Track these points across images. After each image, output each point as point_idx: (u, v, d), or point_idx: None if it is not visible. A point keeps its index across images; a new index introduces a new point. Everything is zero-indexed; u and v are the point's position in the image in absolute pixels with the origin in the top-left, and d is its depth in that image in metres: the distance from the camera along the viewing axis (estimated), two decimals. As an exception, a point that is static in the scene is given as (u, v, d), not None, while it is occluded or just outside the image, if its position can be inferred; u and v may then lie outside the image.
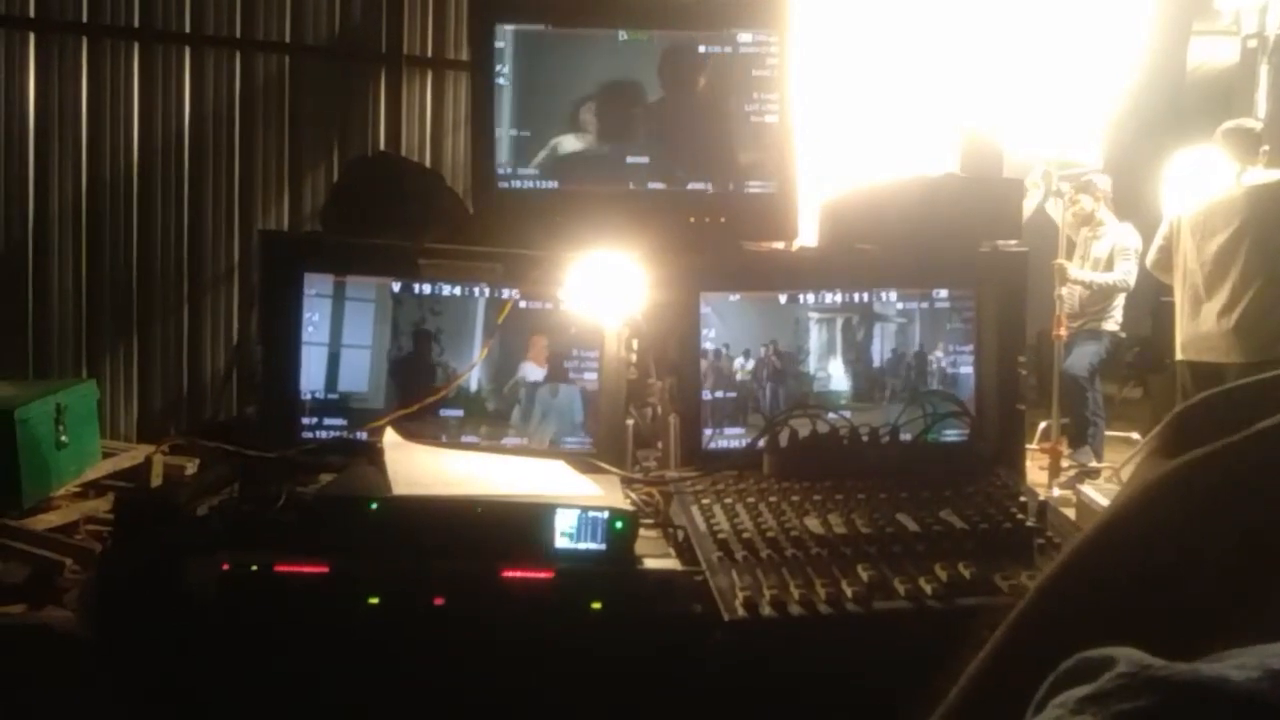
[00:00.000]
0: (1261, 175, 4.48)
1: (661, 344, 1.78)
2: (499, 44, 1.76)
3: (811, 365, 1.81)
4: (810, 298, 1.81)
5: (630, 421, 1.74)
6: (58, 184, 5.09)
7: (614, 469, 1.65)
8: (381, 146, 5.58)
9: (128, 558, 1.32)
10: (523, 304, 1.75)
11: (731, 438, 1.79)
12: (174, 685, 1.24)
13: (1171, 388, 5.36)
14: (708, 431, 1.79)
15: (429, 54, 5.68)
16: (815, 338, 1.81)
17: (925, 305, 1.82)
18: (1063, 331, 5.86)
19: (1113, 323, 6.14)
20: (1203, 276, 4.62)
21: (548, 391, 1.77)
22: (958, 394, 1.82)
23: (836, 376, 1.82)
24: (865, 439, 1.71)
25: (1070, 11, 5.88)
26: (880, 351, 1.82)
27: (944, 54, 6.28)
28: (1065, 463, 5.98)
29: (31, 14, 5.04)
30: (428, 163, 5.64)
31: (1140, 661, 0.35)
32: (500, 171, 1.78)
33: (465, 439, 1.75)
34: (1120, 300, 6.12)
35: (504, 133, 1.77)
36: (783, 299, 1.80)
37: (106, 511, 3.89)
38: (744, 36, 1.77)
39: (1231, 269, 4.51)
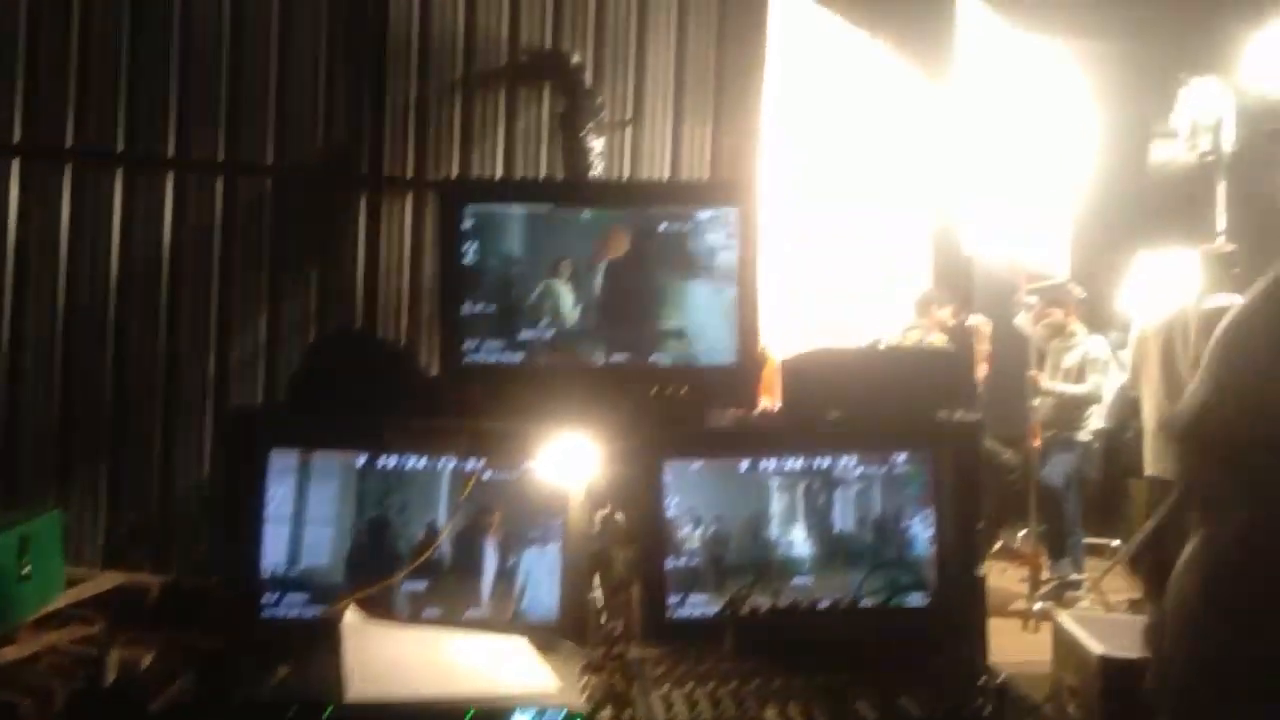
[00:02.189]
0: (1221, 299, 4.58)
1: (625, 514, 1.79)
2: (466, 224, 1.82)
3: (774, 531, 1.83)
4: (771, 464, 1.83)
5: (593, 594, 1.74)
6: (33, 309, 5.12)
7: (576, 646, 1.64)
8: (361, 268, 5.64)
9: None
10: (488, 475, 1.76)
11: (695, 605, 1.80)
12: None
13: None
14: (672, 600, 1.79)
15: (409, 175, 5.79)
16: (777, 504, 1.83)
17: (885, 470, 1.85)
18: (1037, 442, 5.92)
19: (1085, 432, 6.21)
20: (1165, 395, 4.70)
21: (511, 563, 1.77)
22: (919, 558, 1.83)
23: (798, 542, 1.83)
24: (825, 611, 1.71)
25: (1033, 120, 6.11)
26: (841, 516, 1.84)
27: (915, 169, 6.52)
28: (1045, 574, 5.97)
29: (16, 139, 5.13)
30: (407, 282, 5.73)
31: None
32: (467, 346, 1.82)
33: (427, 613, 1.74)
34: (1093, 410, 6.20)
35: (470, 308, 1.81)
36: (744, 466, 1.82)
37: (70, 642, 3.81)
38: (704, 214, 1.84)
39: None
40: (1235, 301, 4.59)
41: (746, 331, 1.85)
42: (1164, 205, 7.43)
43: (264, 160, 5.56)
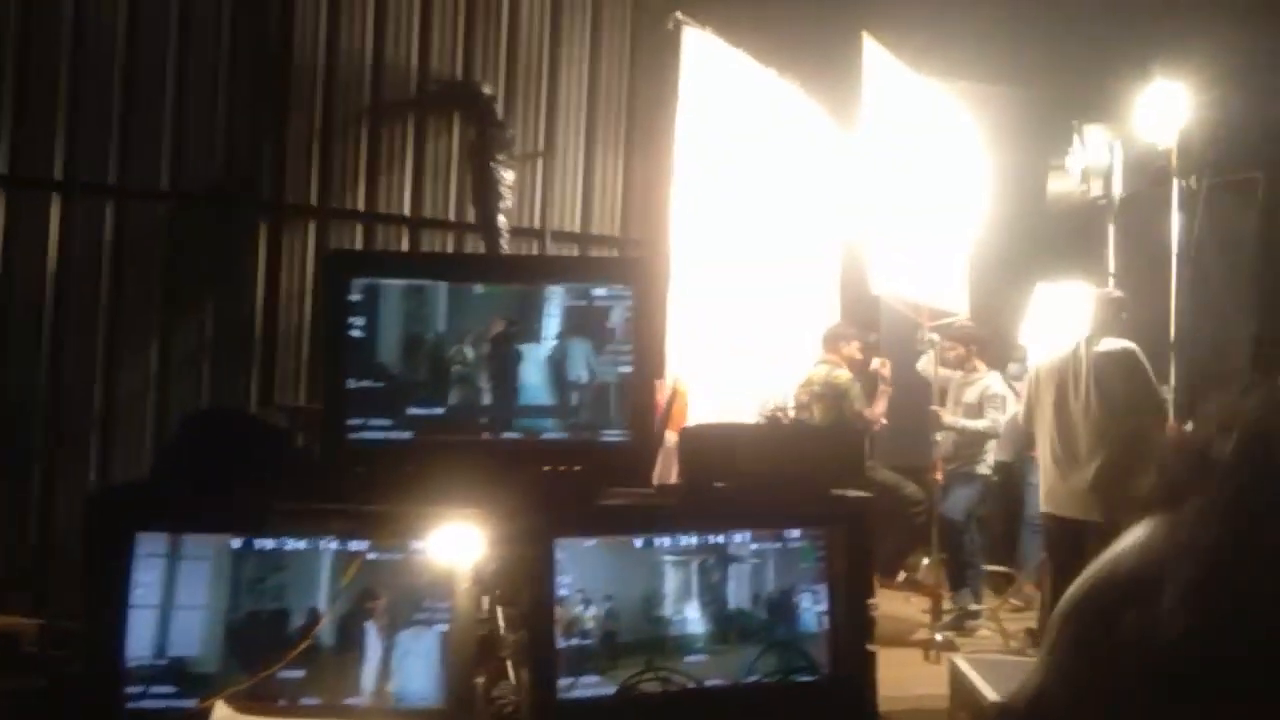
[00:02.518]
0: (1111, 343, 4.74)
1: (517, 594, 1.74)
2: (353, 297, 1.76)
3: (668, 609, 1.80)
4: (666, 541, 1.81)
5: (479, 680, 1.69)
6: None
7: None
8: (261, 297, 5.48)
9: None
10: (373, 556, 1.70)
11: (587, 687, 1.75)
12: None
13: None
14: (564, 681, 1.74)
15: (313, 202, 5.65)
16: (671, 581, 1.80)
17: (779, 545, 1.84)
18: (939, 475, 6.05)
19: (984, 466, 6.37)
20: (1058, 435, 4.83)
21: (395, 647, 1.71)
22: (811, 635, 1.83)
23: (693, 620, 1.81)
24: (718, 689, 1.69)
25: (934, 162, 6.28)
26: (735, 593, 1.83)
27: (822, 207, 6.63)
28: (946, 604, 6.08)
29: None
30: (309, 311, 5.57)
31: None
32: (352, 423, 1.75)
33: (306, 701, 1.66)
34: (991, 445, 6.37)
35: (356, 384, 1.75)
36: (638, 543, 1.80)
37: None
38: (598, 290, 1.81)
39: (1083, 430, 4.73)
40: (1124, 346, 4.73)
41: (642, 409, 1.83)
42: (1060, 243, 7.68)
43: (158, 185, 5.36)
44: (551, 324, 1.81)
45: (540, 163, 6.05)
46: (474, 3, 5.90)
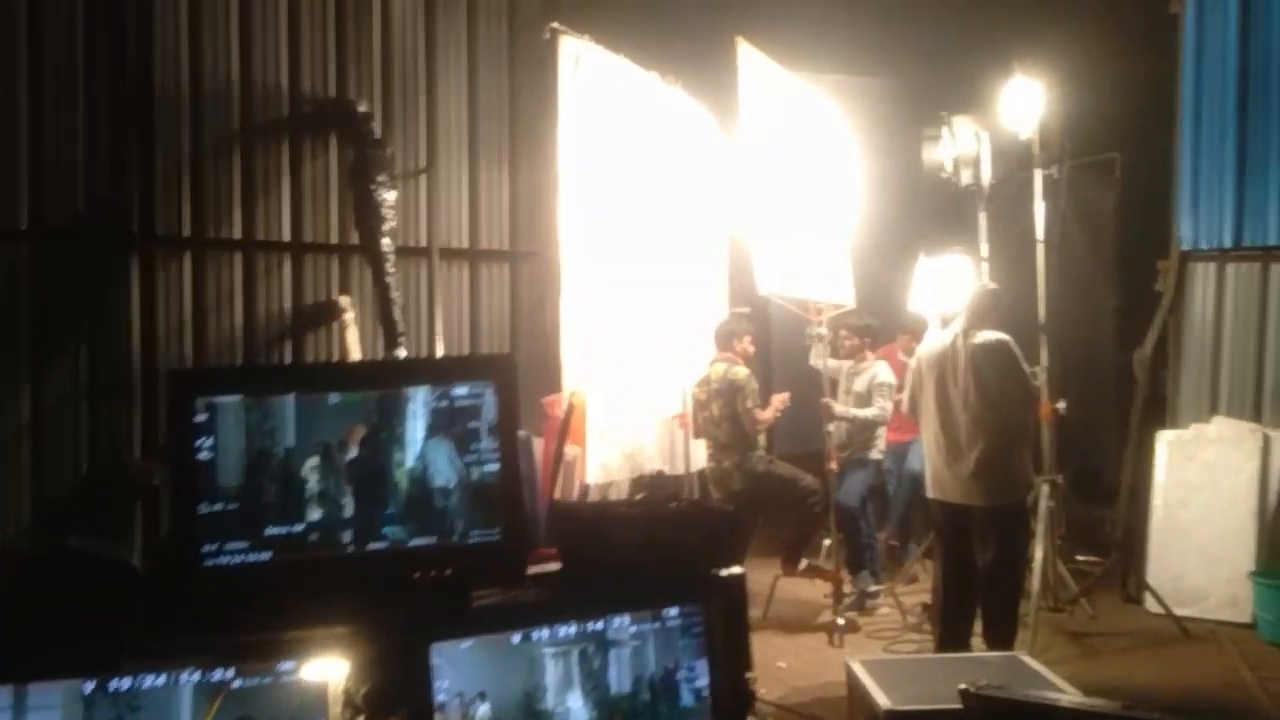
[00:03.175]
0: (985, 335, 4.93)
1: (390, 710, 1.76)
2: (200, 417, 1.73)
3: (549, 701, 1.84)
4: (545, 633, 1.84)
5: (364, 797, 1.71)
6: None
7: None
8: (138, 335, 5.28)
9: None
10: (237, 684, 1.69)
11: (477, 788, 1.79)
12: None
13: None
14: (450, 786, 1.77)
15: (186, 233, 5.46)
16: (552, 673, 1.84)
17: (657, 625, 1.90)
18: (834, 464, 6.24)
19: (876, 451, 6.59)
20: (939, 423, 5.02)
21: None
22: (693, 709, 1.90)
23: (575, 709, 1.86)
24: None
25: (812, 158, 6.41)
26: (617, 678, 1.88)
27: (709, 210, 6.71)
28: (847, 588, 6.29)
29: None
30: (189, 350, 5.41)
31: None
32: (206, 549, 1.73)
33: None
34: (881, 431, 6.58)
35: (208, 507, 1.73)
36: (516, 638, 1.83)
37: None
38: (459, 390, 1.82)
39: (963, 418, 4.93)
40: (998, 338, 4.92)
41: (510, 505, 1.85)
42: (936, 223, 7.95)
43: (18, 223, 5.11)
44: (412, 428, 1.82)
45: (423, 180, 5.96)
46: (344, 17, 5.74)
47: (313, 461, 1.78)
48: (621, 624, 1.89)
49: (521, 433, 4.89)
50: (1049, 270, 6.33)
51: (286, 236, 5.64)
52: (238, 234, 5.52)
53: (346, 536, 1.80)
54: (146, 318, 5.33)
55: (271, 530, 1.76)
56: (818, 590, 6.65)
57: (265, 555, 1.75)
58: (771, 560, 6.75)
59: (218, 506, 1.73)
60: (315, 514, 1.79)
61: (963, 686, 2.45)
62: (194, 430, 1.71)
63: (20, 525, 5.05)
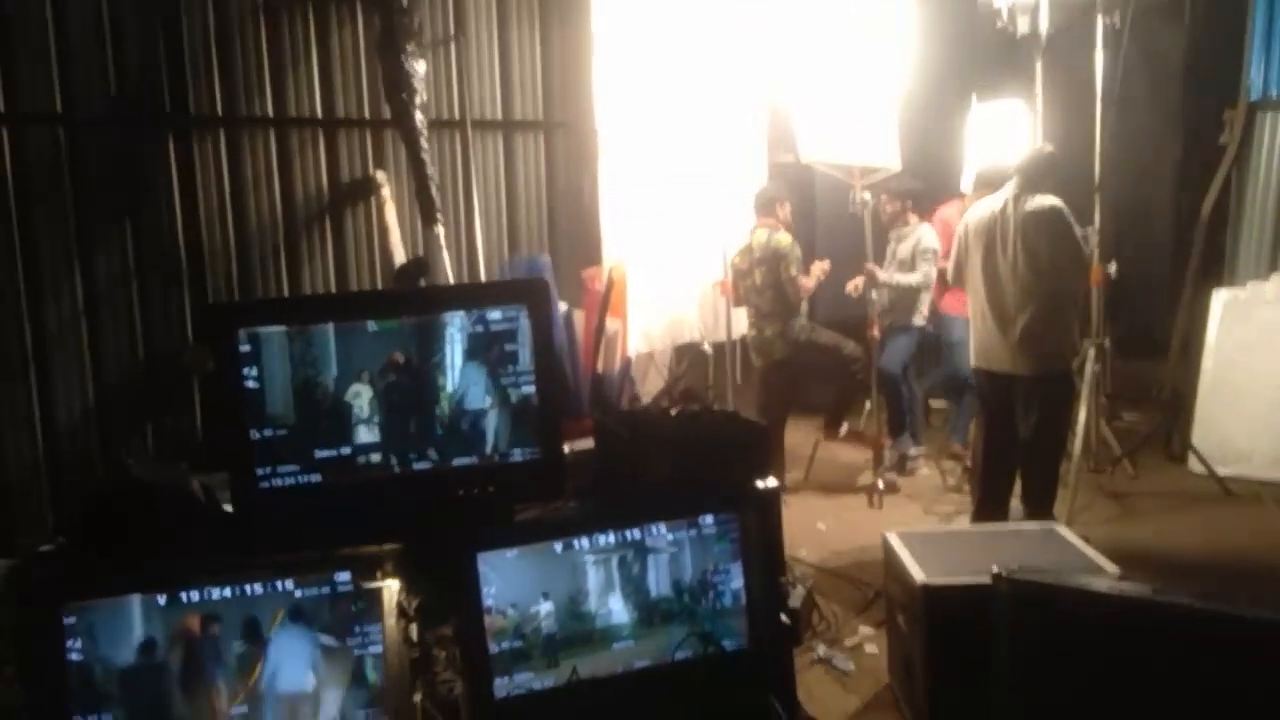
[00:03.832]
0: (1037, 201, 4.77)
1: (442, 617, 1.84)
2: (244, 348, 1.75)
3: (593, 604, 1.92)
4: (585, 542, 1.90)
5: (417, 698, 1.81)
6: None
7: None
8: (180, 218, 5.32)
9: None
10: (299, 594, 1.78)
11: (522, 684, 1.89)
12: None
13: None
14: (500, 681, 1.88)
15: (219, 112, 5.40)
16: (593, 578, 1.91)
17: (694, 533, 1.95)
18: (876, 331, 6.21)
19: (919, 317, 6.53)
20: (986, 292, 4.95)
21: (333, 676, 1.81)
22: (732, 610, 1.97)
23: (617, 610, 1.94)
24: (645, 673, 1.83)
25: (854, 16, 6.11)
26: (656, 581, 1.94)
27: (746, 73, 6.46)
28: (888, 453, 6.37)
29: None
30: (231, 230, 5.44)
31: None
32: (260, 473, 1.79)
33: (255, 729, 1.78)
34: (926, 297, 6.50)
35: (259, 434, 1.78)
36: (559, 547, 1.89)
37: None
38: (493, 314, 1.82)
39: (1011, 287, 4.84)
40: (1050, 204, 4.77)
41: (548, 425, 1.88)
42: (990, 81, 7.59)
43: (52, 107, 5.09)
44: (450, 353, 1.83)
45: (453, 50, 5.78)
46: (362, -126, 5.47)
47: (355, 388, 1.82)
48: (659, 532, 1.94)
49: (562, 305, 4.98)
50: (1107, 125, 6.05)
51: (319, 113, 5.56)
52: (270, 111, 5.45)
53: (392, 458, 1.85)
54: (187, 199, 5.35)
55: (320, 454, 1.81)
56: (859, 454, 6.76)
57: (315, 477, 1.82)
58: (814, 424, 6.84)
59: (267, 433, 1.78)
60: (361, 437, 1.84)
61: (995, 570, 2.50)
62: (240, 359, 1.75)
63: (85, 410, 5.24)
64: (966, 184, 6.71)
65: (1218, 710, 2.04)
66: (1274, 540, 5.17)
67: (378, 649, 1.81)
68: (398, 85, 5.38)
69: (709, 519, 1.95)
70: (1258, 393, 6.12)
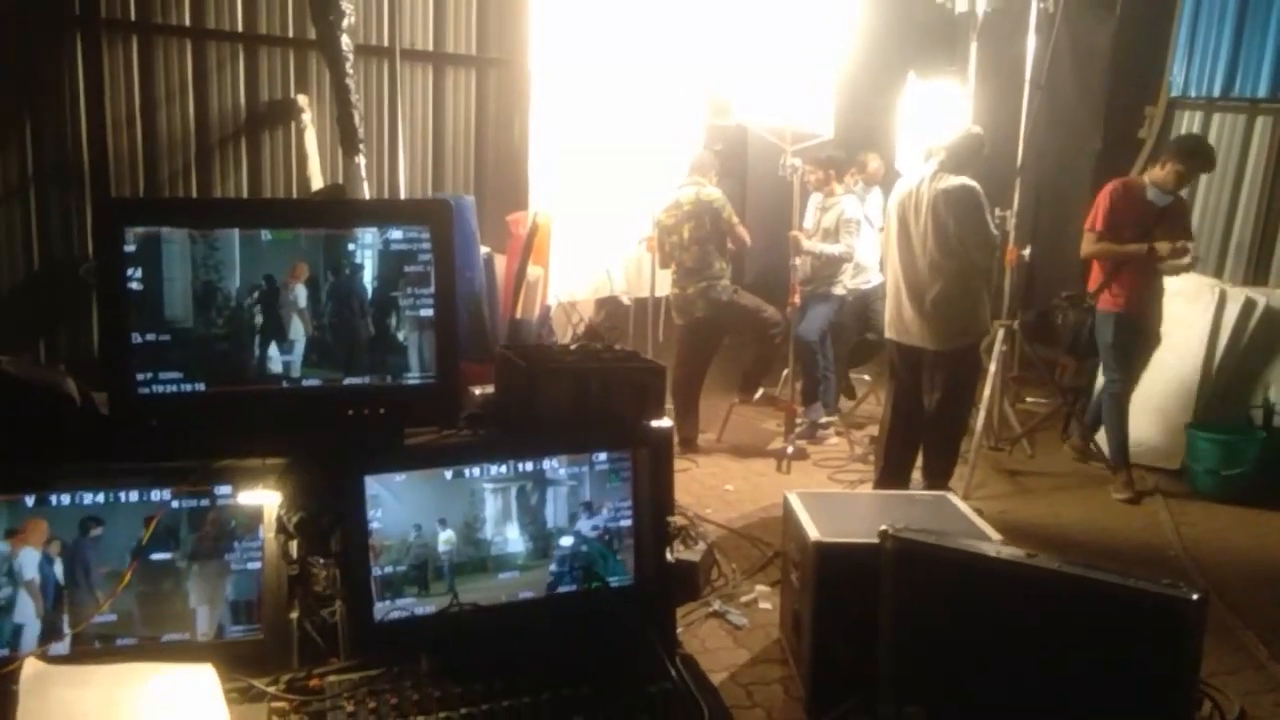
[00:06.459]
0: (951, 180, 4.83)
1: (330, 528, 1.80)
2: (129, 247, 1.67)
3: (489, 532, 1.90)
4: (476, 471, 1.88)
5: (294, 615, 1.78)
6: None
7: (266, 683, 1.67)
8: (83, 121, 5.07)
9: None
10: (175, 504, 1.72)
11: (403, 609, 1.86)
12: None
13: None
14: (381, 605, 1.85)
15: (133, 17, 5.15)
16: (490, 506, 1.89)
17: (588, 469, 1.94)
18: (796, 299, 6.26)
19: (840, 287, 6.61)
20: (901, 266, 5.01)
21: (209, 586, 1.76)
22: (619, 548, 1.97)
23: (513, 539, 1.92)
24: (530, 601, 1.83)
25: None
26: (554, 514, 1.94)
27: (685, 37, 6.40)
28: (800, 419, 6.46)
29: None
30: (140, 143, 5.22)
31: None
32: (140, 378, 1.71)
33: (121, 643, 1.73)
34: (848, 267, 6.58)
35: (140, 338, 1.70)
36: (448, 474, 1.86)
37: None
38: (394, 233, 1.77)
39: (922, 262, 4.91)
40: (962, 184, 4.82)
41: (445, 349, 1.84)
42: (925, 57, 7.66)
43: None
44: (349, 269, 1.78)
45: (385, -26, 5.60)
46: None
47: (249, 296, 1.75)
48: (553, 465, 1.93)
49: (484, 249, 4.90)
50: (1033, 110, 6.16)
51: (239, 26, 5.33)
52: (187, 20, 5.21)
53: (281, 371, 1.79)
54: (94, 107, 5.10)
55: (208, 363, 1.74)
56: (772, 419, 6.84)
57: (199, 386, 1.75)
58: (730, 387, 6.90)
59: (150, 337, 1.70)
60: (250, 348, 1.77)
61: (882, 528, 2.57)
62: (124, 259, 1.67)
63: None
64: (901, 159, 6.79)
65: (1078, 664, 2.15)
66: (1151, 521, 5.40)
67: (256, 564, 1.77)
68: (325, 6, 5.18)
69: (602, 455, 1.94)
70: (1154, 383, 6.32)
